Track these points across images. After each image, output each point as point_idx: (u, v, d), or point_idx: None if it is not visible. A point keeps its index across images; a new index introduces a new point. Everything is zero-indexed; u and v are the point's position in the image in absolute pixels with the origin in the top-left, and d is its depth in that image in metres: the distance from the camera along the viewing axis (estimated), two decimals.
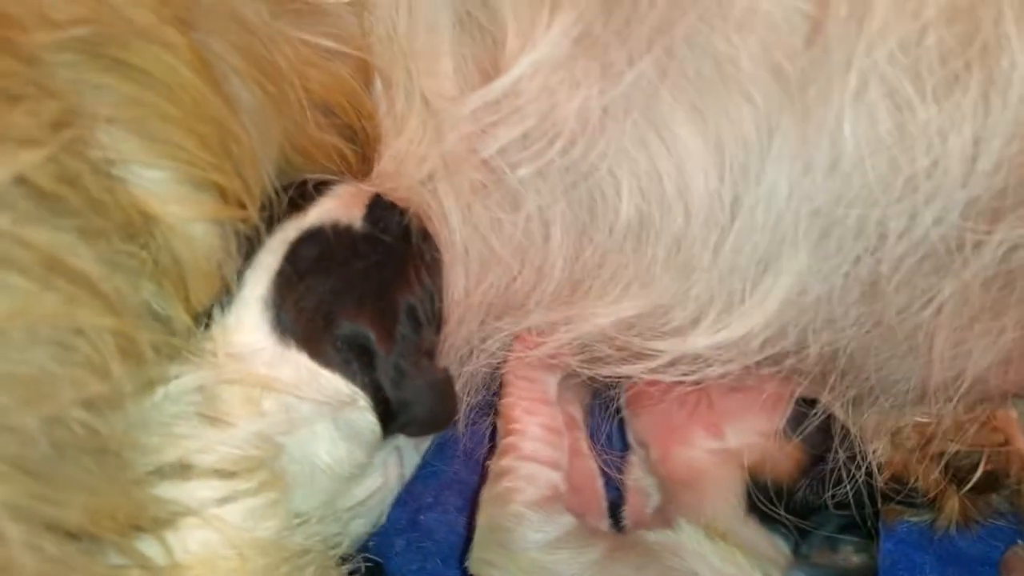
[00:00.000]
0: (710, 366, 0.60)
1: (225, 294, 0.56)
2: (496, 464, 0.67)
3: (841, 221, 0.51)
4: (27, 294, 0.42)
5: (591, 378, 0.71)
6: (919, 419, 0.72)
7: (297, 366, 0.56)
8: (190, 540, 0.50)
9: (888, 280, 0.54)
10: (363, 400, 0.57)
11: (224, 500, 0.51)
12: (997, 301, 0.60)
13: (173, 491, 0.50)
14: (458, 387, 0.72)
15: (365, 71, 0.65)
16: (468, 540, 0.78)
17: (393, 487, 0.68)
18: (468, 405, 0.76)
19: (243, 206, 0.53)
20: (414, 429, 0.63)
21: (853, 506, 0.64)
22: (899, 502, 0.77)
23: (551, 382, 0.70)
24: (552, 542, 0.62)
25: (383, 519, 0.72)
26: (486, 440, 0.78)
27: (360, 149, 0.66)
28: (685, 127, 0.52)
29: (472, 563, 0.65)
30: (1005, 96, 0.48)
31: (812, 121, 0.49)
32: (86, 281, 0.45)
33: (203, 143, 0.49)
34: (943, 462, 0.74)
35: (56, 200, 0.44)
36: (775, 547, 0.64)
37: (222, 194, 0.52)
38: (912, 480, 0.74)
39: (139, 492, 0.49)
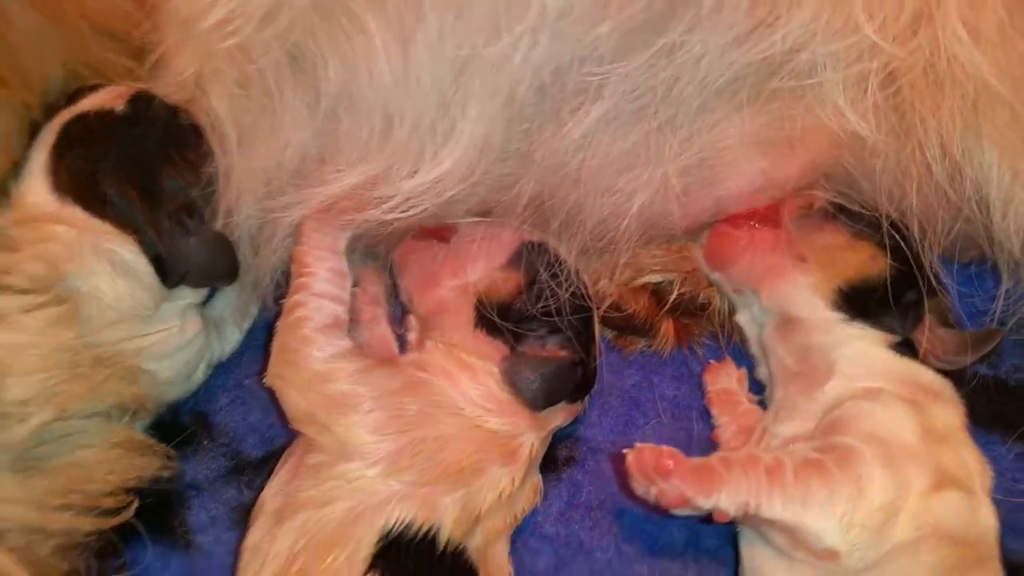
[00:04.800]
0: (429, 201, 0.76)
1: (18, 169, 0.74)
2: (290, 299, 0.80)
3: (480, 64, 0.69)
4: None
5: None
6: (628, 258, 0.90)
7: (74, 215, 0.73)
8: None
9: (530, 119, 0.72)
10: (132, 244, 0.74)
11: (24, 310, 0.67)
12: (640, 144, 0.78)
13: None
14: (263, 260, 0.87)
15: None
16: None
17: (194, 343, 0.83)
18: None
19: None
20: (194, 280, 0.79)
21: (555, 315, 0.82)
22: (628, 331, 0.96)
23: (340, 236, 0.82)
24: (329, 358, 0.77)
25: (197, 376, 0.88)
26: None
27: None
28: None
29: (268, 378, 0.78)
30: None
31: None
32: None
33: None
34: (649, 290, 0.93)
35: None
36: (497, 348, 0.81)
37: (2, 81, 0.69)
38: (628, 308, 0.92)
39: None
